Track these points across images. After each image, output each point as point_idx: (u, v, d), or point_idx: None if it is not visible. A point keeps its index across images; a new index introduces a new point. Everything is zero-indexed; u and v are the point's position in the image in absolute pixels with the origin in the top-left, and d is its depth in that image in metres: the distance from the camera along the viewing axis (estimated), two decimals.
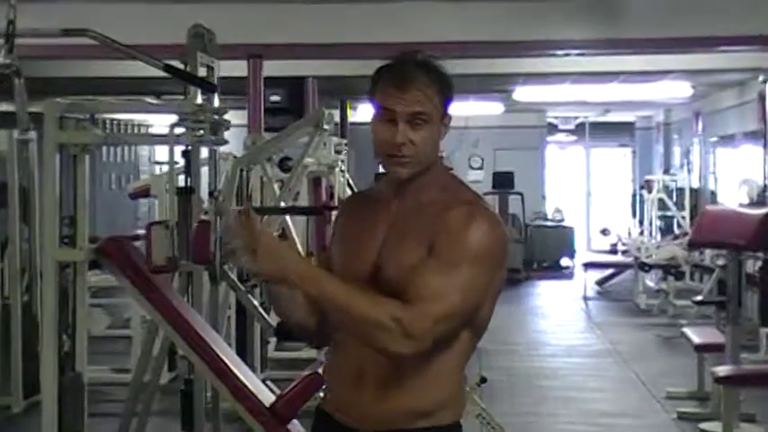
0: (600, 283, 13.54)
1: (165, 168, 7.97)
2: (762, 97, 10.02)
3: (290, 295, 2.23)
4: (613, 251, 15.91)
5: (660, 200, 14.12)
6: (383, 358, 2.10)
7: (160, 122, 15.45)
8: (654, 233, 14.02)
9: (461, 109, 15.01)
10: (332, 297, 2.04)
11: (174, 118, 4.25)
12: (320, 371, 4.54)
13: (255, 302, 5.60)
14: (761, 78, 9.72)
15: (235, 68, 7.43)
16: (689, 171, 15.61)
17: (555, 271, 15.73)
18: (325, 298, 2.04)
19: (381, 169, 2.29)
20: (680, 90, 13.49)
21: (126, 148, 16.03)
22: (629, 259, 12.79)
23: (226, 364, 4.00)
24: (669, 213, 14.28)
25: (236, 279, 5.28)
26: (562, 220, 17.00)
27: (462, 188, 2.25)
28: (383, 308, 2.04)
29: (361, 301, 2.04)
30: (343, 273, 2.18)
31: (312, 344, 2.44)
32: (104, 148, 14.53)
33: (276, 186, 6.70)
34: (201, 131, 4.23)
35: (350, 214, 2.35)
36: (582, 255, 16.15)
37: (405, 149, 2.15)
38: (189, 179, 4.32)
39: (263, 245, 2.01)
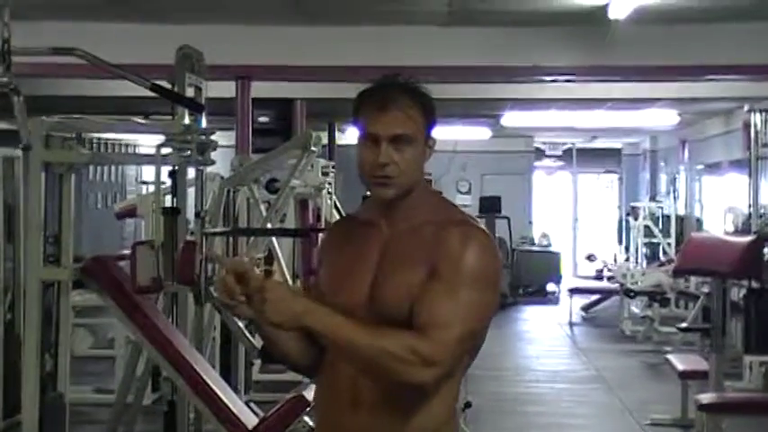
0: (585, 308, 13.55)
1: (152, 188, 7.97)
2: (747, 126, 10.08)
3: (286, 337, 2.21)
4: (599, 277, 15.92)
5: (646, 227, 14.17)
6: (377, 383, 2.10)
7: (147, 142, 15.44)
8: (639, 260, 14.05)
9: (449, 133, 15.04)
10: (347, 337, 2.03)
11: (161, 138, 4.25)
12: (307, 395, 4.53)
13: (240, 324, 5.59)
14: (746, 107, 9.78)
15: (223, 89, 7.44)
16: (675, 198, 15.67)
17: (541, 296, 15.74)
18: (340, 338, 2.04)
19: (369, 192, 2.28)
20: (666, 118, 13.56)
21: (113, 167, 16.00)
22: (615, 285, 12.80)
23: (209, 385, 3.98)
24: (655, 240, 14.32)
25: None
26: (549, 246, 17.02)
27: (452, 208, 2.25)
28: (399, 341, 2.03)
29: (375, 336, 2.04)
30: (335, 299, 2.16)
31: (310, 376, 2.39)
32: (91, 167, 14.50)
33: (263, 208, 6.69)
34: (188, 152, 4.23)
35: (338, 239, 2.32)
36: (568, 280, 16.16)
37: (388, 170, 2.14)
38: (175, 199, 4.32)
39: (272, 297, 2.00)
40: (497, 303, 2.20)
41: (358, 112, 2.20)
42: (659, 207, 15.55)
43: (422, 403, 2.13)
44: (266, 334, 2.24)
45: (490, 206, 15.84)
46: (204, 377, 4.01)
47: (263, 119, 9.87)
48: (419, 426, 2.15)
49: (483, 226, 2.22)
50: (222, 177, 7.00)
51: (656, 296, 11.51)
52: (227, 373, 6.16)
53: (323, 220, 8.02)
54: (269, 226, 6.30)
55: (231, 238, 6.49)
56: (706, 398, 5.83)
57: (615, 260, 15.01)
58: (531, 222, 18.00)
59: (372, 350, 2.03)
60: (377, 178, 2.16)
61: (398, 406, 2.13)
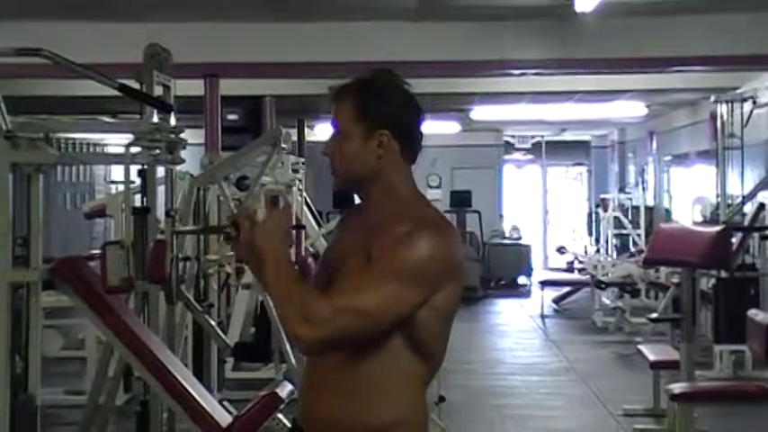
0: (557, 301, 13.61)
1: (121, 188, 7.92)
2: (713, 117, 10.16)
3: None
4: (570, 269, 16.02)
5: (616, 218, 14.25)
6: (331, 368, 2.16)
7: (116, 141, 15.35)
8: (610, 251, 14.14)
9: None
10: (273, 279, 2.12)
11: (130, 137, 4.23)
12: (280, 392, 4.52)
13: (212, 322, 5.57)
14: (712, 98, 9.85)
15: (191, 87, 7.41)
16: (644, 189, 15.78)
17: (512, 289, 15.80)
18: (270, 276, 2.12)
19: (334, 188, 2.35)
20: (634, 109, 13.65)
21: (81, 167, 15.89)
22: (586, 277, 12.88)
23: (182, 384, 3.97)
24: (625, 231, 14.42)
25: (192, 299, 5.25)
26: (519, 239, 17.09)
27: (415, 204, 2.25)
28: (301, 295, 2.08)
29: (290, 287, 2.10)
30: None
31: None
32: (59, 168, 14.39)
33: (233, 205, 6.68)
34: (158, 151, 4.22)
35: (338, 231, 2.41)
36: (539, 273, 16.23)
37: (331, 161, 2.26)
38: (145, 198, 4.30)
39: (278, 221, 2.19)
40: (447, 303, 2.16)
41: None
42: (628, 198, 15.66)
43: (373, 397, 2.16)
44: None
45: (461, 200, 15.89)
46: (177, 376, 4.00)
47: (232, 116, 9.84)
48: (373, 420, 2.16)
49: (442, 225, 2.20)
50: (192, 176, 6.97)
51: (626, 287, 11.58)
52: (199, 372, 6.14)
53: (294, 217, 8.00)
54: None
55: (202, 237, 6.47)
56: (677, 387, 5.88)
57: (585, 252, 15.10)
58: (501, 216, 18.07)
59: (281, 297, 2.10)
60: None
61: (345, 395, 2.17)
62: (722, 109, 9.62)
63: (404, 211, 2.20)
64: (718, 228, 6.82)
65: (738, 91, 9.69)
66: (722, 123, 9.62)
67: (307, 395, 2.27)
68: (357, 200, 2.36)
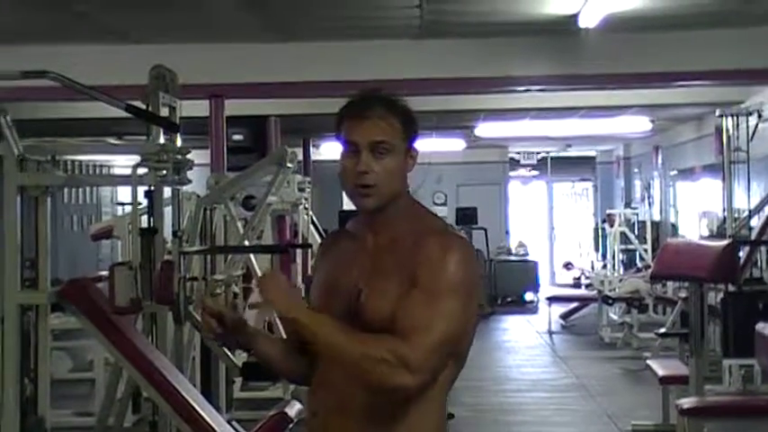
0: (564, 317, 13.59)
1: (128, 209, 7.94)
2: (719, 131, 10.15)
3: (276, 354, 2.32)
4: (577, 285, 16.00)
5: (622, 233, 14.23)
6: (366, 391, 2.12)
7: (122, 163, 15.41)
8: (617, 266, 14.11)
9: (424, 145, 15.04)
10: (332, 340, 2.08)
11: (136, 158, 4.24)
12: (289, 412, 4.52)
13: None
14: (717, 112, 9.85)
15: (197, 108, 7.44)
16: (650, 204, 15.76)
17: (519, 305, 15.77)
18: (328, 340, 2.09)
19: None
20: (639, 124, 13.65)
21: (88, 189, 15.93)
22: (593, 293, 12.86)
23: (191, 405, 3.97)
24: (631, 247, 14.39)
25: (200, 319, 5.25)
26: (526, 255, 17.07)
27: (431, 217, 2.27)
28: (381, 344, 2.06)
29: (358, 340, 2.08)
30: (322, 311, 2.19)
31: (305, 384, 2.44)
32: (66, 190, 14.42)
33: (240, 225, 6.69)
34: (164, 171, 4.22)
35: (328, 253, 2.36)
36: (546, 289, 16.21)
37: (367, 178, 2.17)
38: (152, 219, 4.31)
39: (277, 283, 2.13)
40: (476, 313, 2.21)
41: (339, 124, 2.23)
42: (634, 213, 15.64)
43: (407, 414, 2.15)
44: (259, 352, 2.31)
45: (467, 217, 15.88)
46: (186, 397, 4.00)
47: (237, 137, 9.86)
48: (413, 428, 2.16)
49: (462, 235, 2.25)
50: (198, 196, 6.99)
51: (633, 302, 11.56)
52: (207, 392, 6.13)
53: (300, 235, 8.01)
54: (246, 243, 6.29)
55: (209, 257, 6.47)
56: (687, 402, 5.85)
57: (592, 268, 15.07)
58: (507, 232, 18.05)
59: (355, 353, 2.07)
60: (357, 188, 2.18)
61: (384, 415, 2.14)
62: (728, 123, 9.61)
63: (426, 223, 2.22)
64: (725, 242, 6.81)
65: (744, 105, 9.69)
66: (728, 137, 9.61)
67: (323, 415, 2.21)
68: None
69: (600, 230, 16.24)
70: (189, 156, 4.40)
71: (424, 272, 2.12)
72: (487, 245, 16.14)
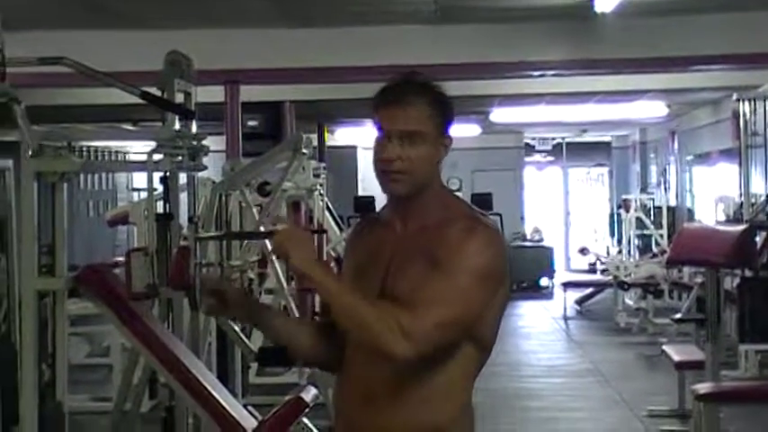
0: (579, 302, 13.57)
1: (144, 195, 7.95)
2: (736, 115, 10.10)
3: (298, 333, 2.34)
4: (592, 270, 15.97)
5: (638, 219, 14.20)
6: (389, 375, 2.14)
7: (137, 149, 15.44)
8: (632, 252, 14.09)
9: None
10: (344, 300, 2.10)
11: (152, 144, 4.25)
12: (305, 397, 4.54)
13: (236, 328, 5.59)
14: (734, 97, 9.80)
15: (212, 94, 7.44)
16: (666, 189, 15.71)
17: (534, 291, 15.76)
18: (338, 299, 2.10)
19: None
20: (655, 109, 13.60)
21: (103, 175, 15.97)
22: (609, 278, 12.84)
23: (207, 390, 3.98)
24: (647, 232, 14.35)
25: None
26: (541, 241, 17.04)
27: (462, 205, 2.27)
28: (387, 311, 2.08)
29: (369, 305, 2.10)
30: None
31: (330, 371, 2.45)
32: (82, 176, 14.48)
33: (255, 211, 6.69)
34: (180, 157, 4.23)
35: (358, 240, 2.36)
36: (561, 274, 16.19)
37: (397, 165, 2.17)
38: (168, 205, 4.32)
39: (295, 238, 2.13)
40: (504, 300, 2.23)
41: (374, 110, 2.22)
42: (650, 199, 15.59)
43: (430, 401, 2.16)
44: (267, 327, 2.34)
45: (482, 203, 15.83)
46: (202, 382, 4.01)
47: (252, 123, 9.87)
48: (435, 419, 2.18)
49: (491, 222, 2.24)
50: (213, 182, 6.99)
51: (649, 288, 11.54)
52: (224, 378, 6.15)
53: (315, 221, 8.02)
54: (262, 229, 6.30)
55: (224, 243, 6.49)
56: (703, 387, 5.85)
57: (608, 253, 15.05)
58: (522, 218, 18.03)
59: (362, 314, 2.08)
60: (386, 174, 2.19)
61: (409, 401, 2.16)
62: (744, 107, 9.57)
63: (454, 210, 2.23)
64: (741, 227, 6.79)
65: (761, 89, 9.62)
66: (745, 121, 9.56)
67: (352, 406, 2.23)
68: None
69: (615, 216, 16.20)
70: (204, 142, 4.40)
71: (443, 252, 2.13)
72: (503, 231, 16.09)
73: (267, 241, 6.51)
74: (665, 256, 9.82)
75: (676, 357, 6.99)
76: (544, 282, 16.11)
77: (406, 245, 2.20)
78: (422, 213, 2.22)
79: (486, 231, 2.18)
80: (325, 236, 8.29)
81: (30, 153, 3.83)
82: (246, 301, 2.32)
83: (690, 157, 14.88)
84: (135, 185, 15.35)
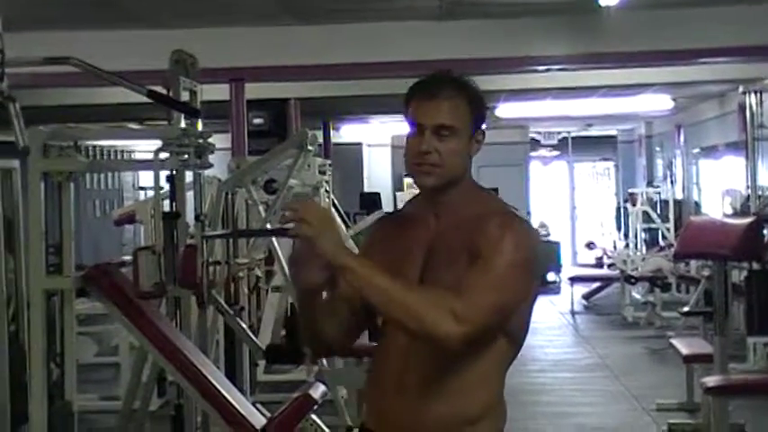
0: (587, 296, 13.56)
1: (150, 194, 7.96)
2: (742, 108, 10.09)
3: (325, 309, 2.28)
4: (599, 265, 15.93)
5: (644, 212, 14.18)
6: (425, 367, 2.14)
7: (143, 148, 15.47)
8: (639, 246, 14.07)
9: None
10: (383, 285, 2.08)
11: (158, 143, 4.26)
12: (313, 393, 4.53)
13: (244, 325, 5.59)
14: (741, 89, 9.78)
15: (217, 92, 7.45)
16: (672, 183, 15.67)
17: (541, 286, 15.62)
18: (376, 283, 2.08)
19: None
20: (661, 103, 13.57)
21: (109, 174, 16.00)
22: (616, 272, 12.82)
23: (216, 387, 3.99)
24: (654, 225, 14.33)
25: (223, 302, 5.28)
26: (547, 235, 17.02)
27: (495, 200, 2.30)
28: (433, 293, 2.10)
29: (414, 290, 2.11)
30: None
31: (343, 355, 2.47)
32: (88, 175, 14.50)
33: (261, 209, 6.70)
34: (186, 156, 4.24)
35: (385, 236, 2.34)
36: (568, 269, 16.16)
37: (430, 158, 2.18)
38: (174, 204, 4.32)
39: (325, 216, 2.11)
40: (536, 291, 2.26)
41: (407, 104, 2.24)
42: (657, 192, 15.56)
43: (464, 391, 2.18)
44: (305, 310, 2.28)
45: None
46: (210, 379, 4.02)
47: (257, 120, 9.87)
48: (470, 409, 2.19)
49: (525, 216, 2.27)
50: (219, 180, 7.00)
51: (656, 281, 11.52)
52: (231, 375, 6.16)
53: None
54: (268, 226, 6.31)
55: (231, 241, 6.50)
56: (712, 381, 5.84)
57: (615, 247, 15.02)
58: (529, 213, 18.00)
59: (407, 298, 2.08)
60: (419, 166, 2.20)
61: (443, 392, 2.17)
62: (751, 100, 9.55)
63: (489, 205, 2.25)
64: (748, 219, 6.77)
65: (767, 81, 9.61)
66: (751, 114, 9.55)
67: (386, 396, 2.22)
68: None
69: (622, 210, 16.17)
70: (210, 140, 4.41)
71: (483, 248, 2.14)
72: None
73: (274, 239, 6.52)
74: (672, 249, 9.81)
75: (684, 351, 6.98)
76: (551, 276, 16.08)
77: (444, 240, 2.21)
78: (455, 208, 2.23)
79: (522, 226, 2.21)
80: None
81: (20, 148, 3.81)
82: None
83: (696, 151, 14.84)
84: (141, 184, 15.34)
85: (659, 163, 17.56)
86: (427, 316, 2.06)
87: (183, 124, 4.30)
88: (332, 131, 13.95)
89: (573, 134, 18.51)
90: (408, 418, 2.19)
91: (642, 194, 14.73)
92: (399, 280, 2.11)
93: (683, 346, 7.10)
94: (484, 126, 2.26)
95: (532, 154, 18.76)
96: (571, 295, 13.09)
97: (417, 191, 2.33)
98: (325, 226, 2.10)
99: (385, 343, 2.24)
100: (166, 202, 4.41)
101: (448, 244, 2.20)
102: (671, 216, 14.20)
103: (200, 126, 4.47)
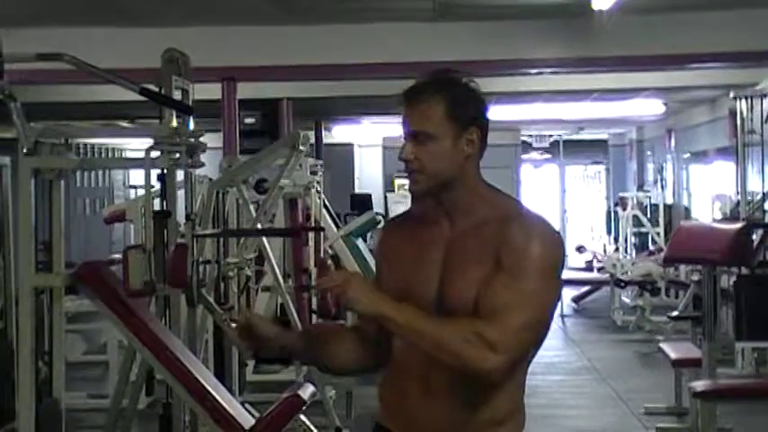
0: (576, 300, 13.57)
1: (141, 192, 7.95)
2: (733, 113, 10.10)
3: (332, 351, 2.31)
4: (589, 268, 15.96)
5: (635, 216, 14.20)
6: (451, 372, 2.12)
7: (134, 146, 15.44)
8: (629, 250, 14.09)
9: None
10: (418, 328, 2.08)
11: (149, 141, 4.25)
12: (302, 394, 4.53)
13: (233, 325, 5.58)
14: (731, 95, 9.79)
15: (209, 91, 7.44)
16: (662, 187, 15.71)
17: None
18: (413, 328, 2.08)
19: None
20: (652, 107, 13.60)
21: (100, 172, 15.96)
22: (605, 276, 12.84)
23: (204, 387, 3.98)
24: (644, 230, 14.36)
25: (213, 302, 5.27)
26: None
27: (509, 200, 2.27)
28: (466, 327, 2.07)
29: (445, 324, 2.09)
30: (403, 301, 2.15)
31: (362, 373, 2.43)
32: (78, 173, 14.46)
33: (252, 208, 6.69)
34: (177, 154, 4.23)
35: (398, 241, 2.30)
36: None
37: (411, 165, 2.18)
38: (165, 203, 4.32)
39: (356, 284, 2.09)
40: (560, 292, 2.24)
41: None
42: (647, 197, 15.59)
43: (490, 394, 2.17)
44: (307, 357, 2.34)
45: None
46: (199, 379, 4.01)
47: (249, 120, 9.86)
48: (488, 416, 2.19)
49: (544, 217, 2.23)
50: (210, 179, 6.99)
51: (646, 285, 11.54)
52: (220, 375, 6.15)
53: (312, 218, 8.02)
54: (259, 226, 6.30)
55: (222, 240, 6.49)
56: (700, 385, 5.85)
57: (605, 251, 15.04)
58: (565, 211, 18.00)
59: (442, 337, 2.07)
60: (408, 173, 2.20)
61: (469, 397, 2.16)
62: (741, 105, 9.56)
63: (506, 208, 2.22)
64: (738, 225, 6.80)
65: (758, 87, 9.62)
66: (741, 120, 9.55)
67: (405, 399, 2.21)
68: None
69: (612, 214, 16.21)
70: (202, 139, 4.40)
71: (507, 256, 2.12)
72: None
73: (264, 239, 6.52)
74: (662, 253, 9.82)
75: (673, 355, 6.99)
76: None
77: (462, 243, 2.18)
78: (468, 209, 2.21)
79: (546, 229, 2.19)
80: (322, 234, 8.29)
81: (25, 150, 3.83)
82: (280, 334, 2.27)
83: (687, 155, 14.88)
84: (132, 183, 15.32)
85: (650, 167, 17.61)
86: (466, 353, 2.06)
87: (174, 123, 4.29)
88: (323, 132, 13.95)
89: (564, 137, 18.54)
90: (438, 421, 2.18)
91: (633, 198, 14.76)
92: (429, 317, 2.10)
93: (671, 351, 7.12)
94: (483, 121, 2.23)
95: (523, 157, 18.79)
96: (561, 298, 13.08)
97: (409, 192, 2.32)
98: (354, 283, 2.09)
99: (404, 345, 2.19)
100: (157, 201, 4.40)
101: (467, 246, 2.17)
102: (661, 220, 14.24)
103: (191, 125, 4.46)
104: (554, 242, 2.18)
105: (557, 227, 2.27)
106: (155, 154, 4.19)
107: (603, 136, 19.39)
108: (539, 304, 2.13)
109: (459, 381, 2.14)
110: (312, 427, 5.23)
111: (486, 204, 2.22)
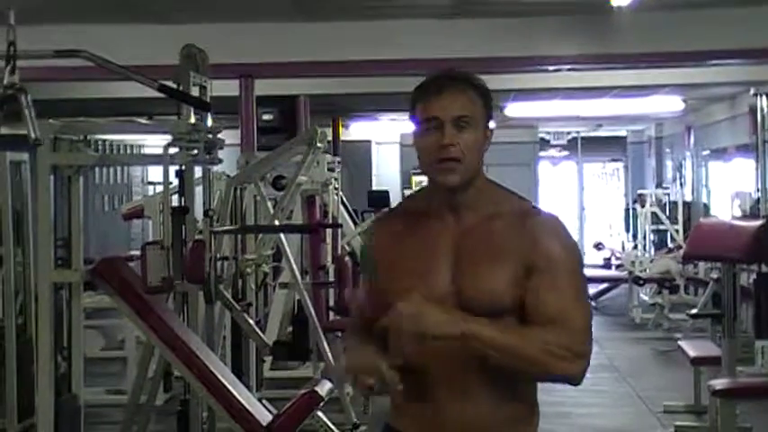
0: (594, 297, 13.51)
1: (159, 189, 7.97)
2: (753, 110, 10.04)
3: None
4: (607, 266, 15.91)
5: (653, 214, 14.13)
6: (478, 370, 2.12)
7: (152, 143, 15.48)
8: (648, 247, 14.03)
9: None
10: (500, 343, 2.07)
11: (168, 138, 4.26)
12: (320, 390, 4.53)
13: (250, 321, 5.60)
14: (752, 91, 9.73)
15: (226, 88, 7.45)
16: (681, 185, 15.63)
17: None
18: (499, 344, 2.07)
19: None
20: (671, 104, 13.54)
21: (118, 169, 16.02)
22: (624, 273, 12.79)
23: (222, 383, 3.99)
24: (662, 227, 14.29)
25: (230, 298, 5.28)
26: None
27: (513, 196, 2.26)
28: (541, 336, 2.09)
29: (517, 337, 2.10)
30: (412, 293, 2.09)
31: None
32: (97, 170, 14.51)
33: (270, 205, 6.70)
34: (195, 151, 4.24)
35: (397, 236, 2.25)
36: None
37: (453, 151, 2.12)
38: (183, 199, 4.33)
39: (419, 309, 2.04)
40: None
41: (415, 103, 2.18)
42: (666, 194, 15.52)
43: (515, 392, 2.19)
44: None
45: None
46: (217, 375, 4.02)
47: (267, 116, 9.87)
48: (522, 409, 2.23)
49: (554, 213, 2.27)
50: (228, 176, 7.00)
51: (665, 283, 11.49)
52: (238, 371, 6.16)
53: (330, 215, 8.02)
54: (276, 223, 6.31)
55: (239, 236, 6.50)
56: (719, 383, 5.82)
57: (623, 248, 14.98)
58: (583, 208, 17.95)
59: (525, 352, 2.08)
60: (442, 162, 2.14)
61: (496, 393, 2.16)
62: (762, 102, 9.50)
63: (516, 205, 2.23)
64: (758, 222, 6.75)
65: None
66: (762, 116, 9.49)
67: (448, 400, 2.16)
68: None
69: (631, 211, 16.14)
70: (219, 135, 4.41)
71: (541, 259, 2.13)
72: None
73: (282, 235, 6.52)
74: (681, 251, 9.78)
75: (692, 353, 6.96)
76: None
77: (473, 239, 2.16)
78: (475, 205, 2.19)
79: (563, 225, 2.23)
80: (339, 230, 8.30)
81: (32, 141, 3.82)
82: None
83: (706, 152, 14.80)
84: (150, 179, 15.37)
85: (669, 164, 17.52)
86: (556, 366, 2.10)
87: (192, 119, 4.30)
88: (341, 129, 13.96)
89: (582, 134, 18.47)
90: (467, 419, 2.16)
91: (651, 196, 14.68)
92: (508, 330, 2.09)
93: (690, 349, 7.08)
94: (492, 124, 2.23)
95: (541, 154, 18.73)
96: None
97: None
98: (423, 316, 2.04)
99: (428, 350, 2.11)
100: (175, 198, 4.41)
101: (478, 243, 2.16)
102: (680, 218, 14.16)
103: (209, 121, 4.47)
104: (571, 236, 2.23)
105: (575, 224, 2.29)
106: (173, 150, 4.21)
107: (622, 133, 19.31)
108: (586, 301, 2.20)
109: (489, 379, 2.14)
110: (329, 424, 5.23)
111: (490, 200, 2.21)
